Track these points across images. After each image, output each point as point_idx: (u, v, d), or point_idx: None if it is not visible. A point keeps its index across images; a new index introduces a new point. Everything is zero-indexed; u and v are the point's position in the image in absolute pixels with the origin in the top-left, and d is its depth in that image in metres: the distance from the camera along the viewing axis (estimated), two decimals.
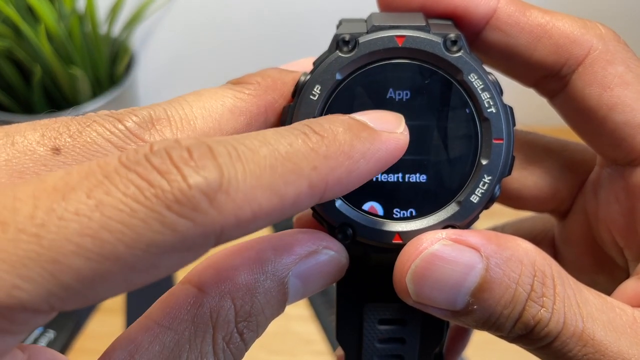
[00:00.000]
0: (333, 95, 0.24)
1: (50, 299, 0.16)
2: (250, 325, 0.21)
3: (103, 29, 0.68)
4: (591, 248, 0.28)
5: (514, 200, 0.29)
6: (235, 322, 0.21)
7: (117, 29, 0.70)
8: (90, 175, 0.16)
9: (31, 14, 0.62)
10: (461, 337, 0.33)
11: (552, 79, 0.25)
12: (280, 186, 0.17)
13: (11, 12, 0.58)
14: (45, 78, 0.64)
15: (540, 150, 0.28)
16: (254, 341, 0.21)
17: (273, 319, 0.22)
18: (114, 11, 0.68)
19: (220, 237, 0.17)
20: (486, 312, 0.22)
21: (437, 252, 0.22)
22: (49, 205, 0.16)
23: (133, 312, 0.62)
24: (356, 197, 0.24)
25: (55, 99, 0.67)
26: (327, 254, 0.23)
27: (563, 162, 0.28)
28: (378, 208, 0.24)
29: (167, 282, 0.65)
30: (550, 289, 0.22)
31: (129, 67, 0.70)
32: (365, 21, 0.25)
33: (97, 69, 0.67)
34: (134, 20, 0.69)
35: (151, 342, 0.20)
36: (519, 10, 0.25)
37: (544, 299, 0.22)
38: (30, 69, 0.63)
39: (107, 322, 0.61)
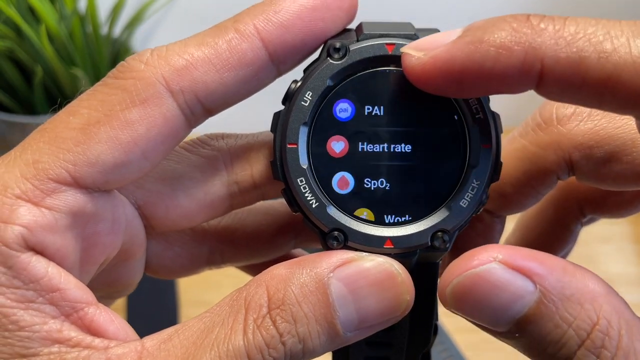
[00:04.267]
0: (324, 102, 0.24)
1: None
2: (284, 314, 0.21)
3: (104, 30, 0.68)
4: None
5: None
6: (268, 307, 0.22)
7: (118, 30, 0.70)
8: None
9: (32, 15, 0.62)
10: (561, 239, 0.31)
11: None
12: None
13: (12, 13, 0.58)
14: (46, 78, 0.64)
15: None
16: (296, 347, 0.21)
17: (320, 326, 0.22)
18: (115, 12, 0.68)
19: None
20: (531, 342, 0.21)
21: (484, 273, 0.21)
22: None
23: (133, 312, 0.63)
24: (348, 204, 0.24)
25: (56, 100, 0.67)
26: (373, 259, 0.23)
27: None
28: (368, 213, 0.25)
29: (168, 282, 0.65)
30: (614, 341, 0.21)
31: None
32: (355, 31, 0.25)
33: (98, 70, 0.67)
34: (135, 20, 0.69)
35: (195, 322, 0.22)
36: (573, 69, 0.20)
37: (603, 350, 0.21)
38: (31, 69, 0.64)
39: None
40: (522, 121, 0.29)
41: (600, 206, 0.30)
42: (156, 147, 0.23)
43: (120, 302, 0.62)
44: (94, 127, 0.22)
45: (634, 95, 0.20)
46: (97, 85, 0.24)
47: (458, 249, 0.28)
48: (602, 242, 0.66)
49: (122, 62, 0.24)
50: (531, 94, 0.27)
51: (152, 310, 0.62)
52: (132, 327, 0.24)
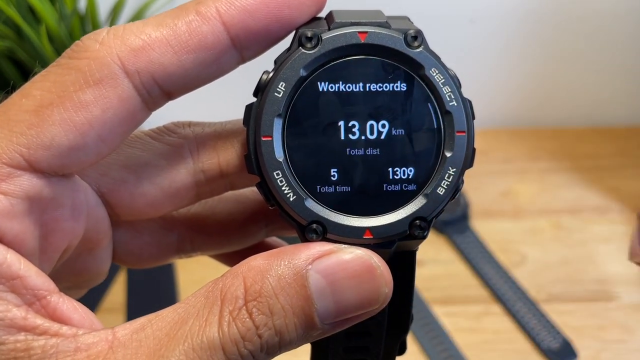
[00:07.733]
0: (298, 92, 0.24)
1: None
2: (261, 307, 0.21)
3: None
4: None
5: None
6: (244, 299, 0.21)
7: None
8: None
9: (32, 15, 0.63)
10: None
11: None
12: None
13: (12, 13, 0.58)
14: None
15: None
16: (272, 339, 0.21)
17: (297, 318, 0.22)
18: (115, 12, 0.68)
19: None
20: None
21: None
22: None
23: (133, 312, 0.63)
24: (325, 195, 0.24)
25: None
26: (352, 252, 0.23)
27: None
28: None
29: (168, 282, 0.65)
30: None
31: None
32: (326, 19, 0.25)
33: None
34: (135, 20, 0.69)
35: (169, 313, 0.22)
36: None
37: None
38: (31, 69, 0.64)
39: (107, 322, 0.61)
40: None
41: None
42: (113, 129, 0.23)
43: (120, 302, 0.62)
44: (47, 109, 0.22)
45: None
46: (50, 66, 0.23)
47: None
48: (602, 242, 0.66)
49: (76, 42, 0.23)
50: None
51: (152, 310, 0.62)
52: None
